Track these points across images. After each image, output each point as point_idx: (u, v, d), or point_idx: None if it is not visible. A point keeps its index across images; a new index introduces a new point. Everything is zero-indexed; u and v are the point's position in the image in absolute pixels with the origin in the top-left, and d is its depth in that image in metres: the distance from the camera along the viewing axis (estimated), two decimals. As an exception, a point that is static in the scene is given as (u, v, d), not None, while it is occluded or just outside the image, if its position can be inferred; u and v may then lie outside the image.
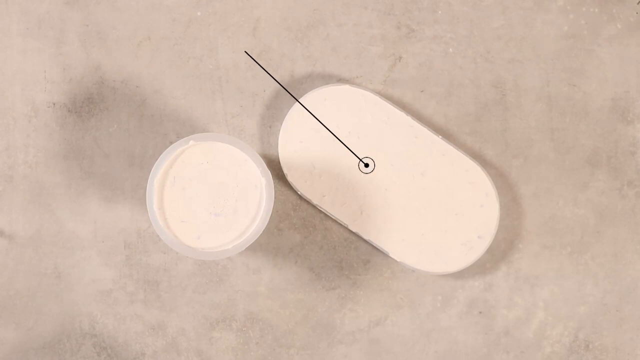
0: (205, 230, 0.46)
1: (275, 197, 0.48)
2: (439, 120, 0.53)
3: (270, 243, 0.53)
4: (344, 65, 0.53)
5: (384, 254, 0.51)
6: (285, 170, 0.51)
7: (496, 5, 0.54)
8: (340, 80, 0.53)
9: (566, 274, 0.53)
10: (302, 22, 0.54)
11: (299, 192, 0.52)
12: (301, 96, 0.52)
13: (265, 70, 0.53)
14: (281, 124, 0.52)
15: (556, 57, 0.54)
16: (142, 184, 0.52)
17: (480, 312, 0.53)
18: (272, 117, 0.53)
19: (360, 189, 0.51)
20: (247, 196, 0.46)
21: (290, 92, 0.53)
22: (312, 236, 0.53)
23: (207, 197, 0.45)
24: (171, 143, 0.52)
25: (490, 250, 0.53)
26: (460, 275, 0.53)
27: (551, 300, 0.53)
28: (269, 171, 0.47)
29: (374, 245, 0.51)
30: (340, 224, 0.52)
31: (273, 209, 0.48)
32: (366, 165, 0.51)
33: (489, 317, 0.53)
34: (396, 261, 0.51)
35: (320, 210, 0.52)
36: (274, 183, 0.48)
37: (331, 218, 0.52)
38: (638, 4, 0.54)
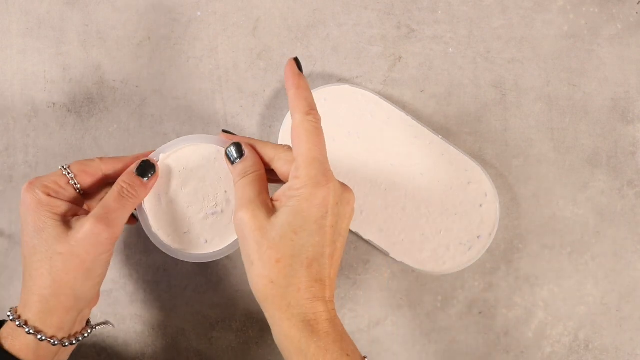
0: (209, 231, 0.45)
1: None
2: (439, 120, 0.53)
3: (270, 243, 0.53)
4: (344, 65, 0.53)
5: (384, 254, 0.51)
6: (285, 170, 0.51)
7: (496, 5, 0.54)
8: (340, 80, 0.53)
9: (566, 274, 0.53)
10: (302, 22, 0.54)
11: (299, 192, 0.52)
12: (301, 96, 0.52)
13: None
14: (281, 124, 0.52)
15: (556, 57, 0.54)
16: (142, 184, 0.52)
17: (480, 312, 0.53)
18: (272, 117, 0.53)
19: (360, 189, 0.51)
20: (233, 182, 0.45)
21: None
22: (312, 236, 0.53)
23: (198, 200, 0.45)
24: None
25: (490, 250, 0.53)
26: (460, 275, 0.53)
27: (551, 300, 0.53)
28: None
29: (374, 245, 0.51)
30: (340, 224, 0.52)
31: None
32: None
33: (489, 317, 0.53)
34: (396, 261, 0.51)
35: (320, 210, 0.52)
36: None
37: (331, 218, 0.52)
38: (638, 4, 0.54)
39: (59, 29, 0.53)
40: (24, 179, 0.52)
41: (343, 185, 0.41)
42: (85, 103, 0.53)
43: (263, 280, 0.39)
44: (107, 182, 0.45)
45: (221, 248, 0.45)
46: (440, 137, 0.52)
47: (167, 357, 0.53)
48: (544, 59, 0.54)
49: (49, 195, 0.41)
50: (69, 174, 0.43)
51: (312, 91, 0.51)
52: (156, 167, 0.44)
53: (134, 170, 0.43)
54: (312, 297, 0.39)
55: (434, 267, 0.51)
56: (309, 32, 0.53)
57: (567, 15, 0.54)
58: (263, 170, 0.42)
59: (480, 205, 0.51)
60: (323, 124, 0.42)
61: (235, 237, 0.45)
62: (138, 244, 0.52)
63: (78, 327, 0.43)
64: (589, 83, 0.54)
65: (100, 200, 0.46)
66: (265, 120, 0.53)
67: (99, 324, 0.46)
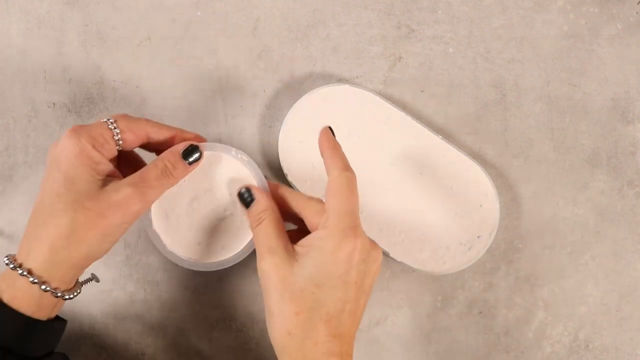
0: (223, 236, 0.45)
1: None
2: (439, 120, 0.53)
3: (270, 243, 0.53)
4: (344, 65, 0.53)
5: (384, 254, 0.51)
6: (285, 170, 0.51)
7: (496, 5, 0.54)
8: (340, 80, 0.53)
9: (566, 274, 0.53)
10: (302, 22, 0.54)
11: (299, 192, 0.52)
12: (301, 96, 0.52)
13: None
14: (281, 124, 0.52)
15: (556, 57, 0.54)
16: (142, 184, 0.52)
17: (480, 312, 0.53)
18: (272, 117, 0.53)
19: (360, 189, 0.51)
20: (237, 183, 0.45)
21: (290, 92, 0.53)
22: (312, 236, 0.53)
23: (206, 209, 0.44)
24: (171, 143, 0.52)
25: (490, 250, 0.53)
26: (460, 275, 0.53)
27: (551, 300, 0.53)
28: (239, 150, 0.46)
29: (374, 245, 0.51)
30: (340, 224, 0.52)
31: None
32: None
33: (489, 317, 0.53)
34: (396, 261, 0.51)
35: (320, 210, 0.52)
36: (275, 181, 0.48)
37: (331, 218, 0.52)
38: (638, 4, 0.54)
39: (59, 29, 0.53)
40: (24, 179, 0.52)
41: (371, 242, 0.41)
42: (85, 103, 0.53)
43: (281, 331, 0.39)
44: (146, 145, 0.43)
45: (239, 251, 0.45)
46: (440, 137, 0.51)
47: (167, 357, 0.52)
48: (544, 59, 0.54)
49: (94, 146, 0.40)
50: (115, 128, 0.41)
51: (312, 91, 0.51)
52: (202, 152, 0.43)
53: (180, 152, 0.42)
54: (328, 352, 0.38)
55: (434, 267, 0.51)
56: (309, 32, 0.53)
57: (567, 15, 0.54)
58: (277, 213, 0.42)
59: (480, 205, 0.51)
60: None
61: (251, 236, 0.44)
62: (138, 244, 0.52)
63: (73, 284, 0.42)
64: (589, 83, 0.54)
65: (127, 165, 0.45)
66: (265, 120, 0.53)
67: (84, 282, 0.44)
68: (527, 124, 0.53)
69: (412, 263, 0.51)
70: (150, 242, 0.52)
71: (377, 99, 0.52)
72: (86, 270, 0.42)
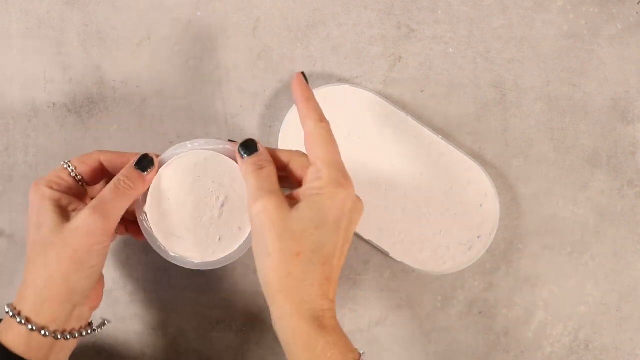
0: (234, 218, 0.44)
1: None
2: (439, 120, 0.53)
3: (270, 243, 0.53)
4: (344, 65, 0.53)
5: (384, 254, 0.51)
6: (285, 170, 0.51)
7: (496, 5, 0.54)
8: (340, 80, 0.53)
9: (566, 274, 0.53)
10: (302, 22, 0.54)
11: (299, 192, 0.52)
12: (301, 96, 0.52)
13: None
14: (281, 124, 0.52)
15: (556, 57, 0.54)
16: (142, 184, 0.52)
17: (480, 312, 0.53)
18: (272, 117, 0.53)
19: (360, 189, 0.51)
20: (211, 168, 0.44)
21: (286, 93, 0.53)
22: (312, 236, 0.53)
23: (205, 208, 0.44)
24: (171, 143, 0.52)
25: (490, 250, 0.53)
26: (460, 275, 0.53)
27: (551, 300, 0.53)
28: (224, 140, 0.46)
29: (374, 245, 0.51)
30: (340, 224, 0.52)
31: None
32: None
33: (489, 317, 0.53)
34: (396, 261, 0.51)
35: (320, 210, 0.52)
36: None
37: (331, 218, 0.52)
38: (638, 4, 0.54)
39: (59, 29, 0.53)
40: (24, 179, 0.52)
41: (357, 195, 0.42)
42: (85, 103, 0.53)
43: (279, 272, 0.39)
44: (107, 174, 0.45)
45: (243, 234, 0.45)
46: (440, 137, 0.51)
47: (167, 357, 0.52)
48: (544, 59, 0.54)
49: (51, 188, 0.42)
50: (69, 166, 0.44)
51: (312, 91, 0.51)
52: (155, 161, 0.44)
53: (133, 165, 0.43)
54: (322, 294, 0.39)
55: (434, 267, 0.51)
56: (309, 32, 0.53)
57: (567, 15, 0.54)
58: (275, 168, 0.42)
59: (480, 205, 0.51)
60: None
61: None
62: (138, 244, 0.52)
63: (75, 324, 0.43)
64: (589, 83, 0.54)
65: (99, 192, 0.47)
66: (265, 120, 0.53)
67: (99, 326, 0.46)
68: (527, 124, 0.53)
69: (412, 263, 0.51)
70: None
71: (377, 99, 0.52)
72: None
